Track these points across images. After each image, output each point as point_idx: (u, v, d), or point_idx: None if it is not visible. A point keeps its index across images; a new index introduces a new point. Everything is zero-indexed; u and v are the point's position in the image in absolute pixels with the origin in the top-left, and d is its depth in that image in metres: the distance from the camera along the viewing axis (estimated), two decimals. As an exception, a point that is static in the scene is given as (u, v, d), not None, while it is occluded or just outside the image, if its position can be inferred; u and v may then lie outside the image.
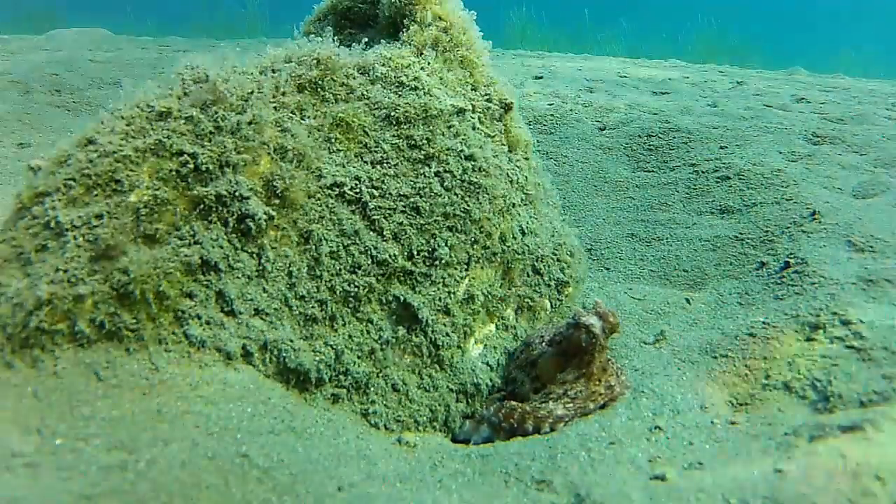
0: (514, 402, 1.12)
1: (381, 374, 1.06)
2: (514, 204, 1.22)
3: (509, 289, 1.21)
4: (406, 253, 1.08)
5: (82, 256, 0.93)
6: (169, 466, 0.74)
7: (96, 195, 0.96)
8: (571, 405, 1.09)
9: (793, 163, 2.16)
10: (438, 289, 1.10)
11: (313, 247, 1.04)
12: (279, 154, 1.04)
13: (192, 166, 0.99)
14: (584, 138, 2.44)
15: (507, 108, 1.28)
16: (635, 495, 0.84)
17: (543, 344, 1.14)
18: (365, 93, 1.15)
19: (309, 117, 1.10)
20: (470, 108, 1.22)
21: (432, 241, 1.10)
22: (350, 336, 1.04)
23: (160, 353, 0.92)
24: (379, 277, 1.06)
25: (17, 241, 0.95)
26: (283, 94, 1.11)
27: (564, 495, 0.86)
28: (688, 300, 1.49)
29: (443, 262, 1.10)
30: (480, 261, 1.15)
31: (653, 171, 2.23)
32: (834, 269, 1.38)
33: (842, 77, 6.46)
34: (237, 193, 0.99)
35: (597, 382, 1.11)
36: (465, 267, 1.13)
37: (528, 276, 1.24)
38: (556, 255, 1.29)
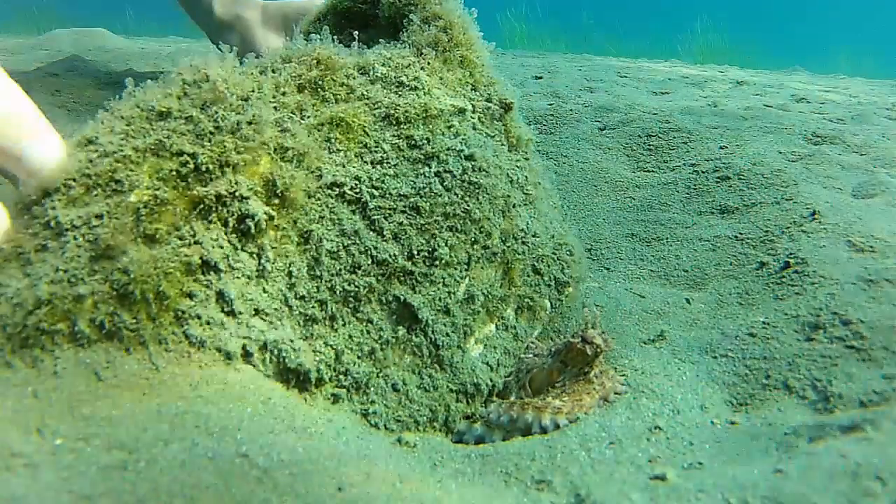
0: (511, 399, 1.13)
1: (381, 374, 1.06)
2: (514, 204, 1.22)
3: (509, 289, 1.21)
4: (406, 253, 1.08)
5: (82, 256, 0.93)
6: (169, 466, 0.74)
7: (96, 195, 0.96)
8: (568, 399, 1.10)
9: (793, 163, 2.16)
10: (438, 289, 1.10)
11: (313, 247, 1.04)
12: (279, 154, 1.04)
13: (192, 166, 0.99)
14: (584, 138, 2.44)
15: (507, 107, 1.28)
16: (635, 495, 0.84)
17: (549, 358, 1.15)
18: (365, 93, 1.15)
19: (309, 117, 1.10)
20: (470, 108, 1.22)
21: (432, 241, 1.10)
22: (350, 336, 1.04)
23: (160, 353, 0.92)
24: (379, 277, 1.06)
25: (16, 241, 0.95)
26: (283, 93, 1.11)
27: (564, 495, 0.86)
28: (688, 300, 1.49)
29: (443, 261, 1.10)
30: (480, 261, 1.15)
31: (653, 171, 2.23)
32: (834, 269, 1.38)
33: (842, 77, 6.46)
34: (237, 193, 0.99)
35: (592, 381, 1.13)
36: (466, 267, 1.13)
37: (529, 276, 1.24)
38: (556, 255, 1.29)
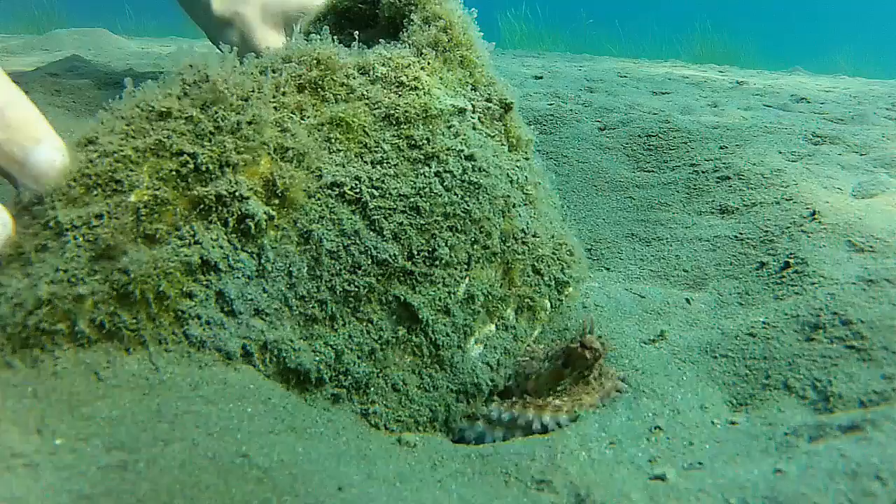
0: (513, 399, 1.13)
1: (381, 375, 1.06)
2: (514, 204, 1.22)
3: (509, 289, 1.21)
4: (406, 253, 1.08)
5: (82, 256, 0.93)
6: (169, 466, 0.74)
7: (96, 195, 0.96)
8: (568, 399, 1.10)
9: (793, 163, 2.16)
10: (438, 289, 1.10)
11: (313, 247, 1.04)
12: (279, 154, 1.04)
13: (192, 166, 0.99)
14: (584, 138, 2.44)
15: (507, 107, 1.28)
16: (635, 495, 0.84)
17: (546, 362, 1.16)
18: (365, 93, 1.15)
19: (309, 117, 1.10)
20: (470, 108, 1.22)
21: (432, 241, 1.10)
22: (350, 336, 1.04)
23: (160, 353, 0.92)
24: (379, 277, 1.06)
25: (17, 241, 0.95)
26: (283, 93, 1.11)
27: (564, 495, 0.86)
28: (688, 300, 1.49)
29: (443, 262, 1.10)
30: (480, 261, 1.15)
31: (653, 170, 2.23)
32: (834, 269, 1.38)
33: (842, 77, 6.46)
34: (237, 193, 0.99)
35: (591, 382, 1.13)
36: (466, 267, 1.13)
37: (528, 276, 1.24)
38: (556, 254, 1.29)
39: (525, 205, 1.26)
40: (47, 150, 0.98)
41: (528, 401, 1.11)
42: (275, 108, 1.08)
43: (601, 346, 1.12)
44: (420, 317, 1.08)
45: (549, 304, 1.28)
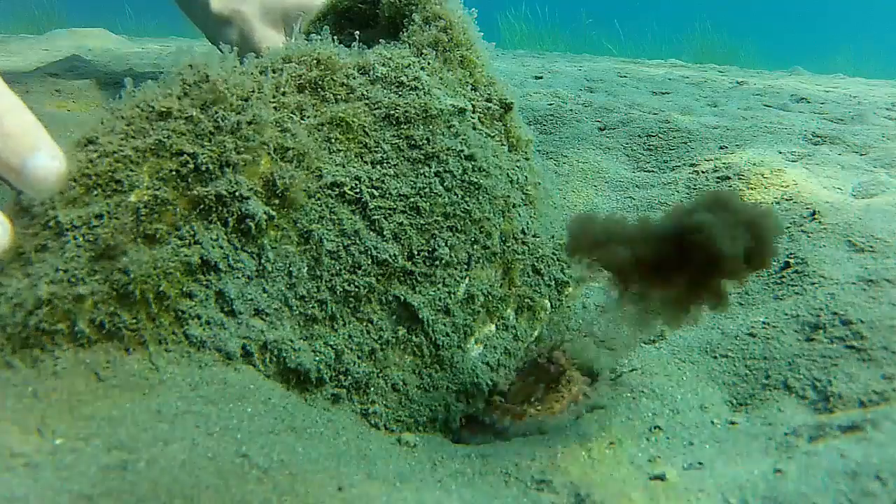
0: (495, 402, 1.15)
1: (381, 375, 1.06)
2: (514, 204, 1.22)
3: (509, 289, 1.21)
4: (406, 253, 1.08)
5: (82, 256, 0.93)
6: (169, 466, 0.74)
7: (96, 195, 0.96)
8: (541, 407, 1.12)
9: (793, 163, 2.16)
10: (438, 289, 1.10)
11: (313, 247, 1.04)
12: (279, 154, 1.04)
13: (192, 166, 0.99)
14: (584, 138, 2.44)
15: (507, 108, 1.28)
16: (635, 495, 0.84)
17: (515, 374, 1.19)
18: (365, 93, 1.15)
19: (309, 117, 1.10)
20: (470, 108, 1.22)
21: (432, 241, 1.10)
22: (350, 336, 1.04)
23: (160, 353, 0.92)
24: (379, 277, 1.06)
25: (17, 241, 0.95)
26: (284, 93, 1.11)
27: (564, 495, 0.86)
28: (688, 300, 1.48)
29: (443, 262, 1.10)
30: (480, 261, 1.15)
31: (653, 170, 2.23)
32: (834, 269, 1.38)
33: (842, 77, 6.46)
34: (237, 193, 0.99)
35: (561, 390, 1.15)
36: (466, 267, 1.13)
37: (529, 276, 1.24)
38: (556, 255, 1.29)
39: (525, 205, 1.26)
40: (45, 158, 0.97)
41: (507, 407, 1.13)
42: (275, 108, 1.08)
43: (566, 360, 1.14)
44: (420, 317, 1.08)
45: (549, 304, 1.28)
